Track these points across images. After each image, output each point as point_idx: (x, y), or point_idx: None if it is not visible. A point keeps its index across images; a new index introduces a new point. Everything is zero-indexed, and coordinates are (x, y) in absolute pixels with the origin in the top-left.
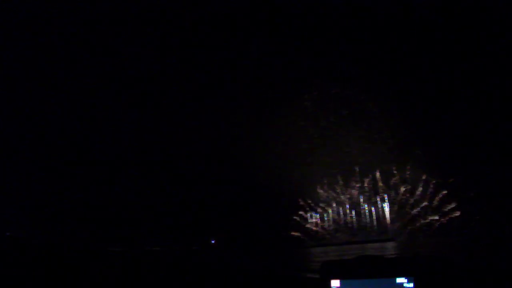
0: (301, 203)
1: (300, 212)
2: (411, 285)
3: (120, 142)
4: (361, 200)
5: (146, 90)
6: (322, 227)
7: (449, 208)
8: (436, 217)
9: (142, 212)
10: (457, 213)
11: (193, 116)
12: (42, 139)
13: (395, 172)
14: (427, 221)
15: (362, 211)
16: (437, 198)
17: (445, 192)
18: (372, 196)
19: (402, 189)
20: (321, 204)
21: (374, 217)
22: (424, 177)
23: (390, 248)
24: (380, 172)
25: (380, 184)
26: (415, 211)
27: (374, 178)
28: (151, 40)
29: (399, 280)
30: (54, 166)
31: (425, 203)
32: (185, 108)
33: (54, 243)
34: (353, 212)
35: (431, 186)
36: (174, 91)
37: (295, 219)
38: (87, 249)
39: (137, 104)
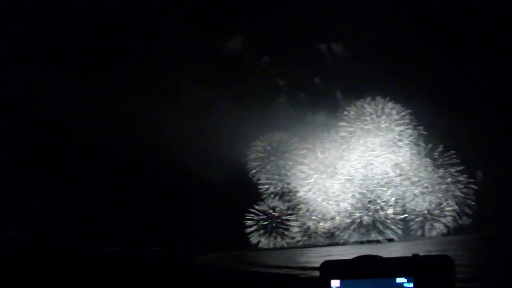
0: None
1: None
2: (411, 285)
3: (120, 142)
4: None
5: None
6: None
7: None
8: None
9: (141, 212)
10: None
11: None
12: (42, 140)
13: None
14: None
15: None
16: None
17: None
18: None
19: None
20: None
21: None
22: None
23: (390, 248)
24: None
25: None
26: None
27: None
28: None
29: (399, 280)
30: (54, 166)
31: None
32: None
33: (53, 243)
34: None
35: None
36: None
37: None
38: (87, 249)
39: (141, 105)
